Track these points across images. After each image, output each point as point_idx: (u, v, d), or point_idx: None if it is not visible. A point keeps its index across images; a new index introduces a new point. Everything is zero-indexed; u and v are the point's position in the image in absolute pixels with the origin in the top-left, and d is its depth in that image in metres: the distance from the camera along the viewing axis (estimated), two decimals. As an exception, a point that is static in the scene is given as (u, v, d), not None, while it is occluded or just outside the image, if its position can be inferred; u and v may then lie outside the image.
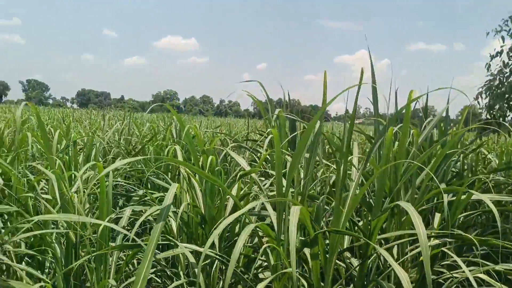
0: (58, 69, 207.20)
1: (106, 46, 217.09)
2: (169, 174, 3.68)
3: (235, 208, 2.53)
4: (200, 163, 2.64)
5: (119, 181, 2.92)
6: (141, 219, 2.15)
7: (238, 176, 2.39)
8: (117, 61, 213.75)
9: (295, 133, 3.26)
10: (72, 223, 2.15)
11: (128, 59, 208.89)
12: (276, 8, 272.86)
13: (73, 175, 2.85)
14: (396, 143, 2.73)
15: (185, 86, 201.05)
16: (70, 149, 3.66)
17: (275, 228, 1.98)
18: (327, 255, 1.91)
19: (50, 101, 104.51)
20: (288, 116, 3.52)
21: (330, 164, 2.89)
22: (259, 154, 3.91)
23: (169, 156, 3.18)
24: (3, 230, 2.46)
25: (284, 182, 2.16)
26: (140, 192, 2.76)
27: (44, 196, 2.56)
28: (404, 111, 2.28)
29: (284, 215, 1.96)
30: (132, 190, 3.19)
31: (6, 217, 2.51)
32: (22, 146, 3.12)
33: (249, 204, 1.87)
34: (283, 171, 2.82)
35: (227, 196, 2.62)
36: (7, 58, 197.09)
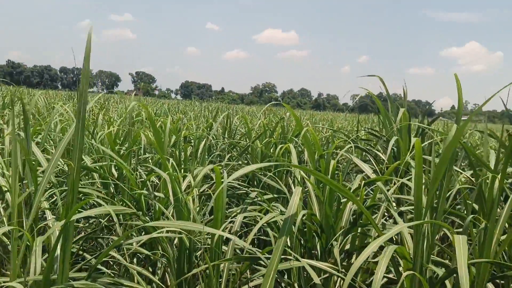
0: (164, 62, 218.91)
1: (209, 40, 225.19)
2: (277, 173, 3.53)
3: (354, 219, 2.30)
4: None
5: (230, 182, 2.80)
6: (257, 226, 2.01)
7: (362, 183, 2.14)
8: (219, 54, 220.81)
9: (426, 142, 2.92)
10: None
11: (229, 52, 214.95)
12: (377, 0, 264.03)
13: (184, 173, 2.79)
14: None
15: (283, 79, 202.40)
16: (179, 145, 3.65)
17: (411, 251, 1.72)
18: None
19: (156, 92, 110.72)
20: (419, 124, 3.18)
21: (469, 176, 2.54)
22: (372, 155, 3.61)
23: (278, 154, 3.00)
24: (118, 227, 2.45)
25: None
26: (253, 194, 2.62)
27: (156, 194, 2.51)
28: None
29: (421, 237, 1.69)
30: (241, 189, 3.07)
31: (120, 214, 2.50)
32: (134, 142, 3.14)
33: (388, 234, 1.61)
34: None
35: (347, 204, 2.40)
36: (119, 52, 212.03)
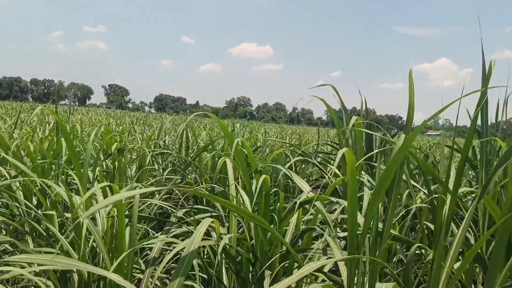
0: (138, 75, 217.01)
1: (184, 53, 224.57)
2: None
3: (296, 240, 1.98)
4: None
5: (150, 201, 2.44)
6: (168, 257, 1.65)
7: (297, 204, 1.83)
8: (194, 67, 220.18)
9: (372, 152, 2.63)
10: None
11: (204, 66, 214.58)
12: (352, 16, 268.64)
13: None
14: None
15: (258, 93, 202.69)
16: (114, 158, 3.29)
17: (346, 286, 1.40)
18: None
19: (130, 105, 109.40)
20: (364, 129, 2.90)
21: (424, 191, 2.25)
22: (329, 168, 3.32)
23: (217, 170, 2.67)
24: None
25: (360, 218, 1.58)
26: (180, 213, 2.27)
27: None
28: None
29: (357, 272, 1.38)
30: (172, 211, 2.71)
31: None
32: (56, 153, 2.77)
33: (315, 264, 1.29)
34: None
35: (286, 225, 2.08)
36: (92, 64, 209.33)
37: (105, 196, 2.33)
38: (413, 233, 3.18)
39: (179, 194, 3.52)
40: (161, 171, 4.01)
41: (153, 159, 4.30)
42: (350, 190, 1.34)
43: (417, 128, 1.43)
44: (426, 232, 2.30)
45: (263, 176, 1.93)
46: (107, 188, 2.47)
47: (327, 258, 1.89)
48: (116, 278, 1.23)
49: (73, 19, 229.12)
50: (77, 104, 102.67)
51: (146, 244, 1.74)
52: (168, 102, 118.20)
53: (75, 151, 2.37)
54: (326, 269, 1.87)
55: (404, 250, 2.27)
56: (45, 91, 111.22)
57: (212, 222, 1.48)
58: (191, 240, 1.33)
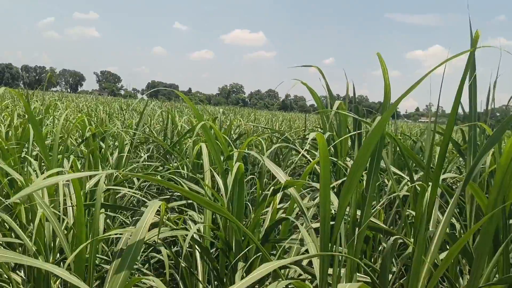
0: (130, 62, 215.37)
1: (176, 40, 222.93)
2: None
3: (271, 230, 1.86)
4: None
5: (119, 189, 2.31)
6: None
7: (271, 191, 1.70)
8: (186, 54, 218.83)
9: (355, 133, 2.51)
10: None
11: (196, 53, 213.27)
12: (346, 2, 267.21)
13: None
14: None
15: (251, 80, 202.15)
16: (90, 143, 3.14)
17: (318, 282, 1.28)
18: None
19: (122, 92, 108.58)
20: (350, 113, 2.78)
21: (403, 175, 2.14)
22: (314, 156, 3.20)
23: (193, 155, 2.53)
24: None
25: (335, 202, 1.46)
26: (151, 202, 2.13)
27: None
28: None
29: (333, 264, 1.26)
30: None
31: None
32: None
33: (281, 261, 1.17)
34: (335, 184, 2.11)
35: (266, 207, 1.96)
36: (84, 50, 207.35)
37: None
38: (399, 221, 3.08)
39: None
40: (146, 158, 3.88)
41: (141, 146, 4.18)
42: (322, 177, 1.22)
43: (389, 109, 1.30)
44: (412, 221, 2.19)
45: (237, 164, 1.81)
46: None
47: (305, 250, 1.78)
48: (60, 272, 1.10)
49: (64, 5, 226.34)
50: (69, 91, 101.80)
51: (109, 235, 1.61)
52: (161, 89, 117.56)
53: (42, 137, 2.24)
54: (304, 263, 1.76)
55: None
56: (37, 77, 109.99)
57: (160, 207, 1.34)
58: (136, 229, 1.21)
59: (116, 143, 4.06)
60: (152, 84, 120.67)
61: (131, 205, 3.04)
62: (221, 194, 1.95)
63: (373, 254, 2.39)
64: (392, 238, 1.36)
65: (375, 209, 1.78)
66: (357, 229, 1.46)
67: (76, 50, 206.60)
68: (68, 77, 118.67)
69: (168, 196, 3.03)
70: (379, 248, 2.35)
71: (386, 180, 2.77)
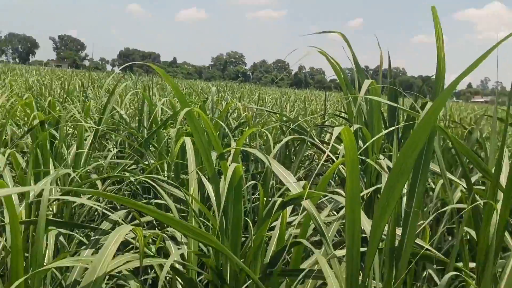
0: (98, 24, 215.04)
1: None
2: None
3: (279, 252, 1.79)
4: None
5: (71, 199, 2.24)
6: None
7: (278, 203, 1.63)
8: (171, 14, 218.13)
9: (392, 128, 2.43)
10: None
11: (184, 11, 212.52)
12: None
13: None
14: None
15: (254, 47, 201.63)
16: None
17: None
18: None
19: (87, 63, 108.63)
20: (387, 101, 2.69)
21: (457, 180, 2.06)
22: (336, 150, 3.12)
23: (173, 153, 2.46)
24: None
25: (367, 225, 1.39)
26: (121, 212, 2.07)
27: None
28: None
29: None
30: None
31: None
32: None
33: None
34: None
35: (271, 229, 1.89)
36: (37, 10, 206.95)
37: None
38: (450, 237, 3.00)
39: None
40: (115, 153, 3.83)
41: (109, 136, 4.12)
42: (350, 188, 1.14)
43: (445, 91, 1.22)
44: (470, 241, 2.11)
45: (233, 165, 1.72)
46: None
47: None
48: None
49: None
50: (17, 61, 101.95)
51: (56, 265, 1.54)
52: (137, 59, 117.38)
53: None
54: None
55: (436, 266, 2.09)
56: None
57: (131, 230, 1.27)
58: (95, 262, 1.14)
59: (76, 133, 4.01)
60: (125, 53, 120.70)
61: (95, 214, 2.98)
62: (212, 208, 1.87)
63: (416, 284, 2.32)
64: (449, 274, 1.29)
65: (421, 227, 1.70)
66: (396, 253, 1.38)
67: (27, 9, 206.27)
68: (17, 44, 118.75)
69: (144, 202, 2.97)
70: (424, 275, 2.28)
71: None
